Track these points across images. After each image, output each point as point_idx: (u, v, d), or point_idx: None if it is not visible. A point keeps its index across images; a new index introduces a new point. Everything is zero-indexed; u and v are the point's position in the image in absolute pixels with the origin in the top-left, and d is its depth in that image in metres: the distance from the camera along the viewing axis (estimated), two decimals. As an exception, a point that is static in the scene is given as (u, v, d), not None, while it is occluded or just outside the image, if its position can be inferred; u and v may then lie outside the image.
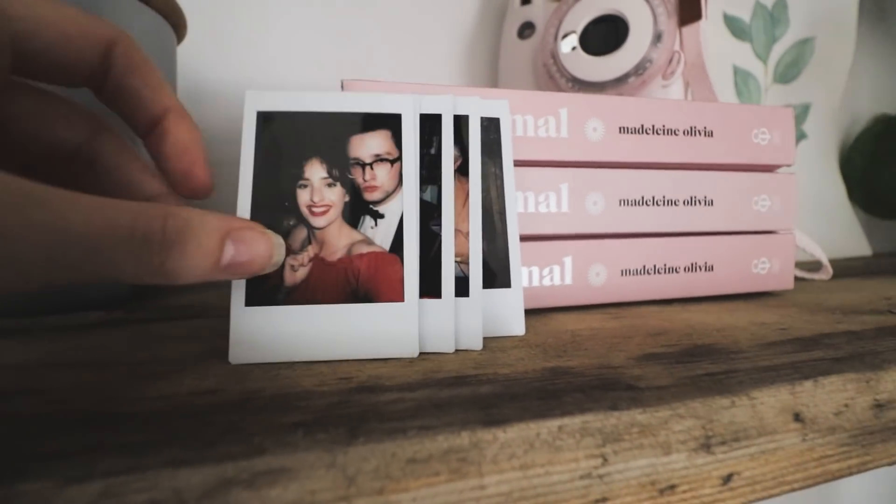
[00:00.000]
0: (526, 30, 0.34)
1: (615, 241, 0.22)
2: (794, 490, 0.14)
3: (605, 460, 0.12)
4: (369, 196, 0.17)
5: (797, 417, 0.14)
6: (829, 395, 0.15)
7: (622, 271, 0.23)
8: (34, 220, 0.09)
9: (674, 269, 0.23)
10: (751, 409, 0.13)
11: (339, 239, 0.16)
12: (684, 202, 0.23)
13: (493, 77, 0.41)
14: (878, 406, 0.15)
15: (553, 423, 0.11)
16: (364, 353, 0.15)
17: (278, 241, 0.15)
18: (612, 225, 0.22)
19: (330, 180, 0.17)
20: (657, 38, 0.28)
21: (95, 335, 0.20)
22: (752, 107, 0.24)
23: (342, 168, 0.17)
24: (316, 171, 0.17)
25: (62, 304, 0.23)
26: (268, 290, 0.16)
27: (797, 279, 0.32)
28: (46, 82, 0.14)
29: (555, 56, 0.30)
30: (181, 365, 0.15)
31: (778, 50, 0.47)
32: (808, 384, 0.14)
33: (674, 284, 0.23)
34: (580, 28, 0.30)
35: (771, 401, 0.14)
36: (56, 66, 0.14)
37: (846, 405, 0.15)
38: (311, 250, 0.16)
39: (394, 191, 0.17)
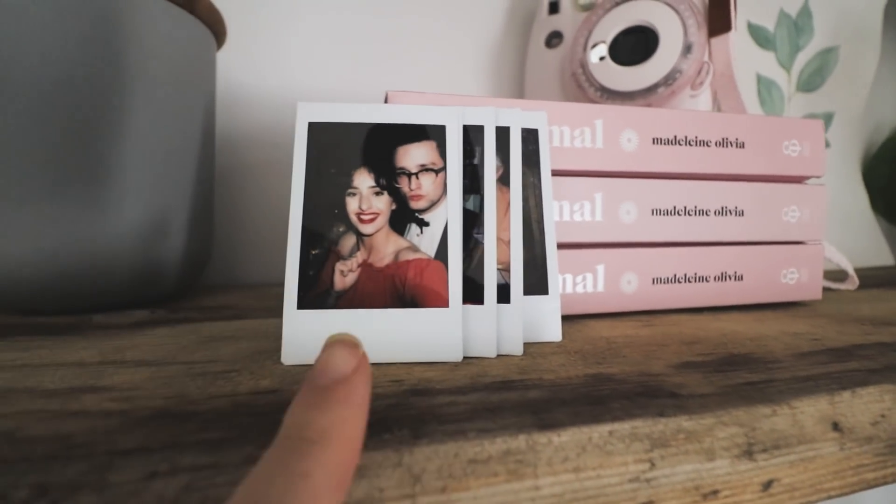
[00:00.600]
0: (553, 39, 0.35)
1: (647, 249, 0.23)
2: (830, 497, 0.15)
3: (653, 465, 0.12)
4: (415, 204, 0.17)
5: (836, 427, 0.14)
6: (867, 405, 0.15)
7: (654, 279, 0.23)
8: None
9: (704, 278, 0.24)
10: (791, 418, 0.14)
11: (386, 245, 0.17)
12: (715, 212, 0.23)
13: (519, 85, 0.41)
14: (915, 417, 0.16)
15: (604, 429, 0.12)
16: (411, 357, 0.16)
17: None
18: (644, 234, 0.22)
19: (377, 189, 0.17)
20: (687, 49, 0.28)
21: (146, 334, 0.20)
22: (783, 119, 0.24)
23: (389, 177, 0.17)
24: (364, 180, 0.17)
25: (107, 302, 0.24)
26: (319, 294, 0.16)
27: (824, 289, 0.32)
28: None
29: (584, 65, 0.31)
30: (236, 365, 0.16)
31: (802, 59, 0.47)
32: (847, 394, 0.15)
33: (704, 293, 0.24)
34: (610, 38, 0.30)
35: (810, 410, 0.14)
36: None
37: (883, 415, 0.15)
38: (359, 256, 0.17)
39: (438, 199, 0.17)
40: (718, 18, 0.29)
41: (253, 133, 0.37)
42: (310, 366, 0.16)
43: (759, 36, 0.46)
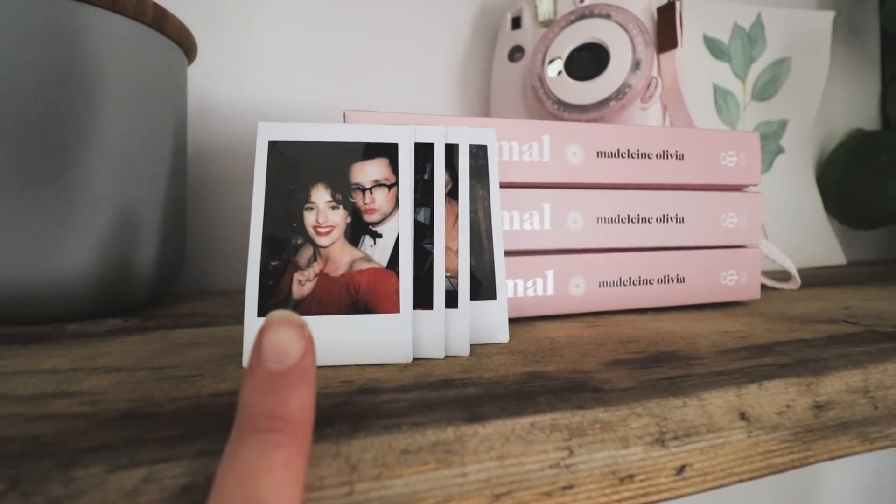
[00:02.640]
0: (516, 53, 0.36)
1: (593, 255, 0.24)
2: (742, 481, 0.16)
3: (571, 452, 0.14)
4: (369, 217, 0.19)
5: (742, 416, 0.16)
6: (773, 396, 0.17)
7: (600, 283, 0.24)
8: None
9: (648, 282, 0.25)
10: (700, 409, 0.15)
11: (341, 256, 0.18)
12: (657, 220, 0.25)
13: (485, 97, 0.43)
14: (818, 407, 0.17)
15: (526, 420, 0.13)
16: (364, 359, 0.17)
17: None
18: (590, 241, 0.24)
19: (333, 203, 0.18)
20: (636, 65, 0.30)
21: (118, 342, 0.21)
22: (721, 131, 0.26)
23: (345, 192, 0.19)
24: (321, 195, 0.18)
25: (81, 311, 0.25)
26: (278, 302, 0.17)
27: (769, 289, 0.34)
28: None
29: (542, 79, 0.32)
30: (201, 369, 0.17)
31: (756, 69, 0.50)
32: (753, 387, 0.16)
33: (648, 295, 0.25)
34: (565, 54, 0.32)
35: (718, 401, 0.16)
36: None
37: (788, 406, 0.17)
38: (316, 266, 0.18)
39: (391, 213, 0.19)
40: (666, 36, 0.31)
41: (225, 145, 0.38)
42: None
43: (715, 48, 0.48)
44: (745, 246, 0.27)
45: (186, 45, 0.29)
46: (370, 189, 0.19)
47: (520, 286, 0.23)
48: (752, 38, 0.49)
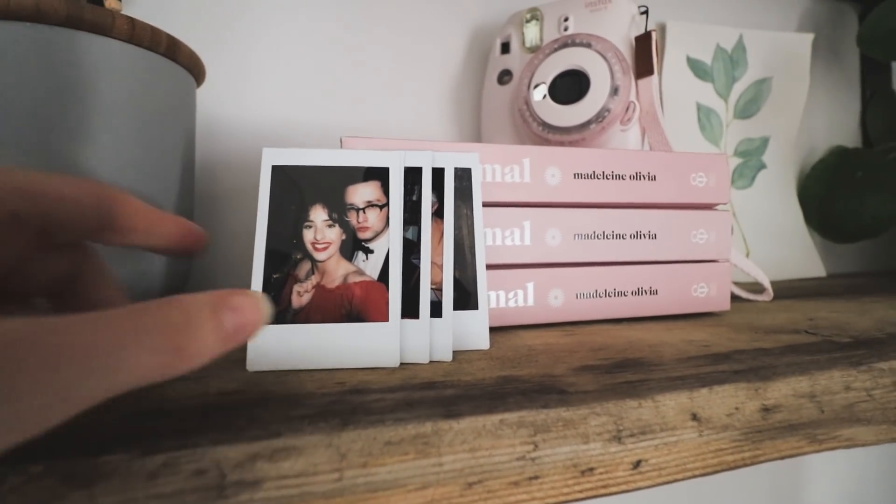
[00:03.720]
0: (505, 76, 0.38)
1: (571, 269, 0.26)
2: (695, 476, 0.18)
3: (536, 446, 0.15)
4: (362, 235, 0.21)
5: (694, 417, 0.18)
6: (723, 399, 0.18)
7: (577, 294, 0.26)
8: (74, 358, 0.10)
9: (622, 293, 0.27)
10: (654, 410, 0.17)
11: (336, 270, 0.20)
12: (631, 236, 0.27)
13: (477, 117, 0.45)
14: (766, 410, 0.19)
15: (496, 417, 0.15)
16: (355, 363, 0.19)
17: (262, 297, 0.15)
18: (568, 255, 0.26)
19: (330, 222, 0.20)
20: (614, 90, 0.32)
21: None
22: (690, 154, 0.28)
23: (340, 212, 0.21)
24: (319, 215, 0.20)
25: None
26: (279, 311, 0.19)
27: (742, 300, 0.36)
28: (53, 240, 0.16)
29: (528, 103, 0.35)
30: (208, 371, 0.19)
31: (738, 89, 0.52)
32: (704, 391, 0.18)
33: (622, 306, 0.27)
34: (549, 80, 0.34)
35: (671, 403, 0.17)
36: (62, 227, 0.15)
37: (737, 408, 0.19)
38: (314, 279, 0.20)
39: (382, 231, 0.21)
40: (643, 64, 0.33)
41: (229, 161, 0.40)
42: (271, 371, 0.19)
43: (698, 69, 0.50)
44: (715, 260, 0.29)
45: (196, 70, 0.31)
46: (363, 209, 0.21)
47: (502, 297, 0.25)
48: (733, 59, 0.52)
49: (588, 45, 0.33)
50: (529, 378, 0.18)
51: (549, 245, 0.26)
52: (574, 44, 0.34)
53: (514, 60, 0.38)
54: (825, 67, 0.59)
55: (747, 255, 0.50)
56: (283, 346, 0.19)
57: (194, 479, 0.13)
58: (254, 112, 0.41)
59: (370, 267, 0.20)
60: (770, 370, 0.20)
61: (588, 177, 0.26)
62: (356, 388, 0.17)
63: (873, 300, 0.38)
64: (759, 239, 0.52)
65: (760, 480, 0.62)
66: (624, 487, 0.17)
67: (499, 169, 0.25)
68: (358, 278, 0.20)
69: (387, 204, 0.21)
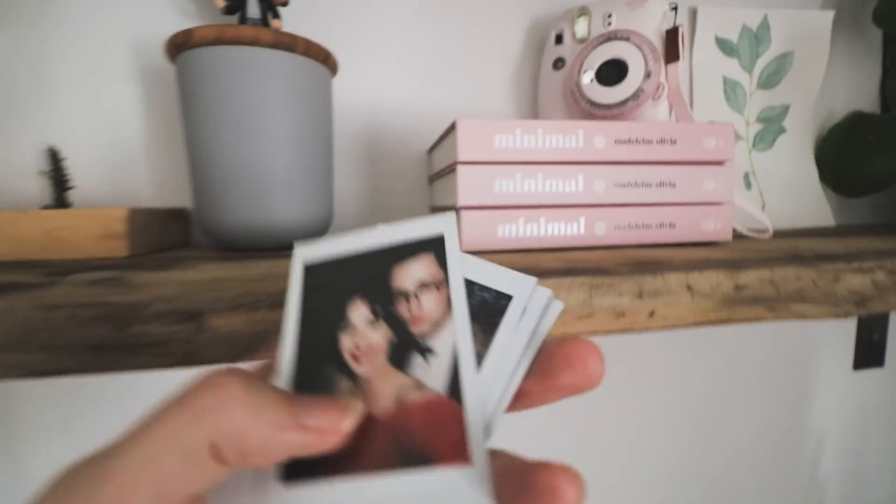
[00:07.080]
0: (558, 63, 0.49)
1: (611, 208, 0.37)
2: (688, 326, 0.29)
3: (591, 296, 0.27)
4: (417, 329, 0.16)
5: (688, 288, 0.29)
6: (707, 278, 0.29)
7: (615, 227, 0.37)
8: None
9: (648, 226, 0.38)
10: (663, 282, 0.28)
11: (385, 385, 0.15)
12: (656, 185, 0.38)
13: (533, 97, 0.55)
14: (738, 287, 0.30)
15: (565, 280, 0.27)
16: None
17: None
18: (609, 199, 0.37)
19: (373, 318, 0.16)
20: (647, 74, 0.42)
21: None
22: (704, 124, 0.38)
23: (385, 303, 0.16)
24: (359, 313, 0.16)
25: (265, 243, 0.40)
26: (304, 461, 0.13)
27: (746, 237, 0.46)
28: None
29: (578, 85, 0.45)
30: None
31: (761, 63, 0.60)
32: (696, 273, 0.29)
33: (648, 235, 0.38)
34: (595, 66, 0.44)
35: (674, 278, 0.29)
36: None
37: (717, 284, 0.29)
38: None
39: (443, 320, 0.16)
40: (671, 52, 0.42)
41: (354, 135, 0.52)
42: None
43: (725, 46, 0.59)
44: (720, 203, 0.40)
45: (329, 63, 0.43)
46: (415, 293, 0.16)
47: (561, 227, 0.37)
48: (758, 37, 0.59)
49: (627, 39, 0.43)
50: (594, 267, 0.30)
51: (595, 191, 0.37)
52: (616, 38, 0.43)
53: (566, 50, 0.48)
54: (847, 37, 0.65)
55: (763, 207, 0.59)
56: None
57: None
58: (366, 95, 0.53)
59: (433, 376, 0.15)
60: (744, 263, 0.31)
61: (626, 142, 0.37)
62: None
63: (859, 239, 0.47)
64: (777, 195, 0.60)
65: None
66: (642, 326, 0.28)
67: (561, 138, 0.36)
68: (417, 395, 0.15)
69: (445, 281, 0.16)
